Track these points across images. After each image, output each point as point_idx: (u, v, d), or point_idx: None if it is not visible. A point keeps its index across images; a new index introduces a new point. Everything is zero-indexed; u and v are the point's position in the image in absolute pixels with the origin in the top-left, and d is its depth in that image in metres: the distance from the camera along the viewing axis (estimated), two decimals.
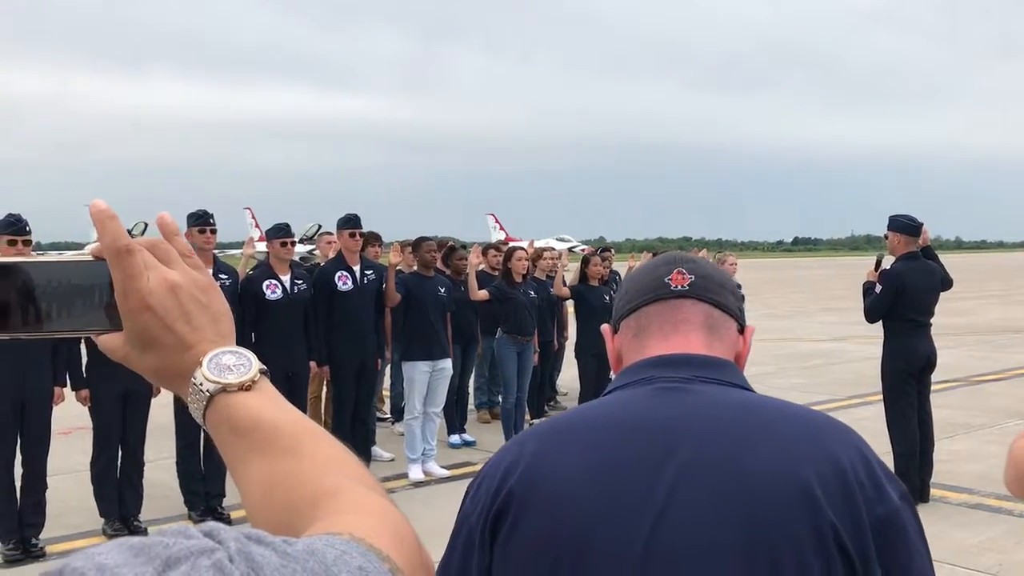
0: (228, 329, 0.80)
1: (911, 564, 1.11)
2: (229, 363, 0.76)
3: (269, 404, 0.76)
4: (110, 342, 0.78)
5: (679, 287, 1.28)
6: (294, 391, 6.59)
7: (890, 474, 1.15)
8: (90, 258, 0.76)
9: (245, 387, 0.76)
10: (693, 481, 1.11)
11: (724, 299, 1.30)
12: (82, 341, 5.64)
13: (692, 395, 1.19)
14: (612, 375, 1.36)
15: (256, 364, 0.77)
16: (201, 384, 0.76)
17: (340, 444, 0.77)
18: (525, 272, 8.58)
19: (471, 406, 9.49)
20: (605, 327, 1.39)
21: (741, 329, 1.32)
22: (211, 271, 6.39)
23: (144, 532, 5.97)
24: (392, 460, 7.82)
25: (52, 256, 0.80)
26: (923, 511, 6.32)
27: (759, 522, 1.08)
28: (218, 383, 0.75)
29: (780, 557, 1.07)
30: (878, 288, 6.58)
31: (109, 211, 0.74)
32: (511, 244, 10.06)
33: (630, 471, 1.13)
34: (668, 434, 1.15)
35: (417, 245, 7.93)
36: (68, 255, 0.79)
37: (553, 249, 10.05)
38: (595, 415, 1.23)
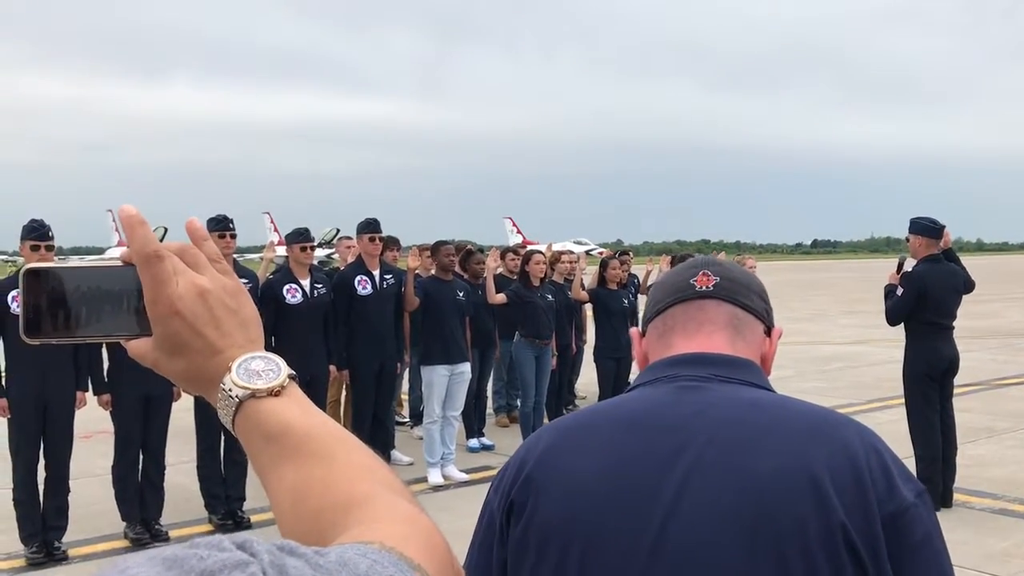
0: (257, 334, 0.79)
1: (926, 565, 1.09)
2: (258, 368, 0.76)
3: (299, 410, 0.76)
4: (139, 347, 0.78)
5: (704, 288, 1.30)
6: (313, 395, 6.53)
7: (907, 473, 1.14)
8: (119, 263, 0.76)
9: (274, 393, 0.76)
10: (702, 478, 1.13)
11: (750, 300, 1.31)
12: (103, 345, 5.69)
13: (709, 393, 1.21)
14: (631, 378, 1.37)
15: (285, 369, 0.77)
16: (230, 390, 0.75)
17: (370, 450, 0.77)
18: (543, 275, 8.57)
19: (489, 410, 9.49)
20: (633, 330, 1.41)
21: (768, 331, 1.33)
22: None
23: (166, 535, 6.01)
24: (411, 464, 7.83)
25: (81, 261, 0.80)
26: (946, 516, 6.28)
27: (766, 519, 1.08)
28: (247, 389, 0.75)
29: (787, 555, 1.07)
30: (899, 291, 6.53)
31: (139, 216, 0.74)
32: (529, 247, 10.05)
33: (642, 467, 1.16)
34: (680, 432, 1.17)
35: (435, 249, 7.95)
36: (93, 259, 0.79)
37: (571, 252, 10.01)
38: (612, 411, 1.26)
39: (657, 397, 1.24)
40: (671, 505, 1.12)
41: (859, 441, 1.14)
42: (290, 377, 0.77)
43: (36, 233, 5.59)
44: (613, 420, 1.24)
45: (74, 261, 0.81)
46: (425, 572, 0.62)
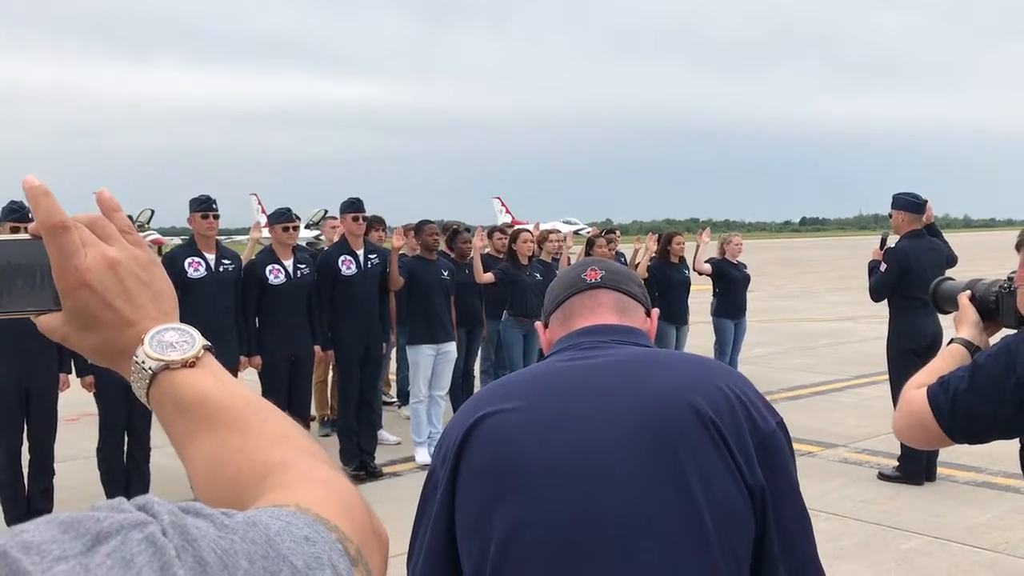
0: (171, 306, 0.78)
1: (788, 476, 1.40)
2: (172, 340, 0.75)
3: (213, 380, 0.75)
4: (49, 322, 0.76)
5: (593, 280, 1.62)
6: (298, 375, 6.61)
7: (770, 406, 1.44)
8: (28, 237, 0.74)
9: (188, 364, 0.74)
10: (610, 401, 1.40)
11: (630, 288, 1.64)
12: None
13: (607, 349, 1.52)
14: None
15: (200, 340, 0.76)
16: (143, 362, 0.74)
17: (288, 418, 0.76)
18: (531, 254, 8.55)
19: (477, 389, 9.48)
20: (538, 323, 1.72)
21: (647, 312, 1.66)
22: (214, 256, 6.39)
23: None
24: (398, 443, 7.85)
25: None
26: (930, 489, 6.32)
27: (661, 424, 1.37)
28: (160, 360, 0.74)
29: (678, 449, 1.35)
30: (883, 266, 6.54)
31: (43, 187, 0.72)
32: (516, 227, 10.02)
33: (559, 401, 1.43)
34: (588, 373, 1.46)
35: (419, 228, 7.91)
36: (6, 235, 0.77)
37: (558, 231, 9.99)
38: (529, 373, 1.56)
39: (568, 358, 1.52)
40: (587, 424, 1.39)
41: (728, 379, 1.44)
42: (205, 348, 0.76)
43: (16, 215, 5.55)
44: (530, 377, 1.52)
45: None
46: (342, 532, 0.62)
